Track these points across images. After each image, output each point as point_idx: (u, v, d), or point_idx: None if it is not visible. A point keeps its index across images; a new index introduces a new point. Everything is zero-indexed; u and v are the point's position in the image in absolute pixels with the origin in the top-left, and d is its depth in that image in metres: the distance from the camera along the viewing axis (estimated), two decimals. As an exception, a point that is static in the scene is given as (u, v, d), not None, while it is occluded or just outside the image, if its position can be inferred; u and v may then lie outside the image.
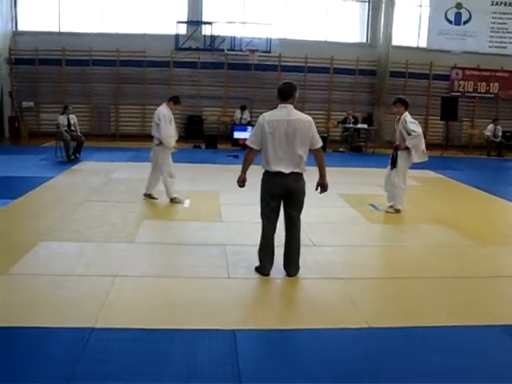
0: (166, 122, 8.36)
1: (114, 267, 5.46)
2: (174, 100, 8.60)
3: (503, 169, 15.11)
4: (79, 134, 13.31)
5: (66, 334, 3.95)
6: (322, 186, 5.43)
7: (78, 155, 13.15)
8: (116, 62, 18.18)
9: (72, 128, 13.11)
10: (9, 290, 4.83)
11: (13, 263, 5.42)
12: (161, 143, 8.45)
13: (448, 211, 8.80)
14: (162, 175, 8.59)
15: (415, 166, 8.71)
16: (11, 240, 6.31)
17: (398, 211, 8.47)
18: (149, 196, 8.78)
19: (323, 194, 5.51)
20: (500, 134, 18.45)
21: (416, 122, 8.38)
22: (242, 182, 5.44)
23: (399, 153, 8.31)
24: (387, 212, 8.49)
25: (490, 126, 18.42)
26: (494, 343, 4.18)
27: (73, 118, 13.25)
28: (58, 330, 4.02)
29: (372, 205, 8.94)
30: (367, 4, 19.45)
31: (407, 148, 8.21)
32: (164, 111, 8.44)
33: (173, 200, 8.60)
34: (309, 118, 5.28)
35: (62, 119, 13.03)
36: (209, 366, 3.65)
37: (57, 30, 18.25)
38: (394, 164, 8.41)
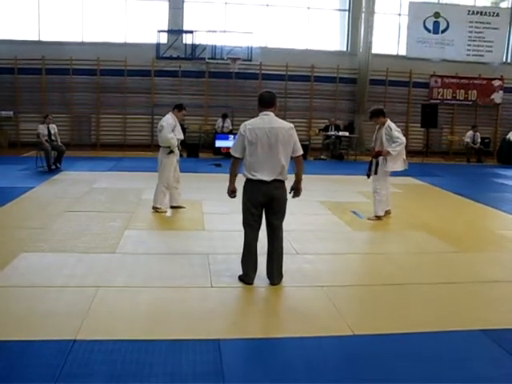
0: (168, 127, 8.33)
1: (96, 278, 5.41)
2: (178, 107, 8.58)
3: (482, 175, 15.28)
4: (60, 143, 13.21)
5: (46, 347, 3.89)
6: (297, 189, 5.44)
7: (58, 165, 13.04)
8: (96, 71, 18.08)
9: (52, 138, 13.00)
10: (-12, 302, 4.75)
11: (-8, 275, 5.34)
12: (170, 152, 8.41)
13: (430, 217, 8.88)
14: (159, 182, 8.53)
15: (396, 173, 8.77)
16: (-9, 252, 6.21)
17: (378, 218, 8.51)
18: (177, 207, 8.76)
19: (297, 198, 5.54)
20: (479, 140, 18.73)
21: (399, 130, 8.46)
22: (232, 193, 5.47)
23: (380, 159, 8.35)
24: (369, 219, 8.53)
25: (469, 133, 18.69)
26: (478, 348, 4.20)
27: (53, 128, 13.14)
28: (38, 343, 3.95)
29: (354, 212, 8.98)
30: (347, 13, 19.63)
31: (388, 153, 8.25)
32: (169, 119, 8.43)
33: (155, 209, 8.55)
34: (290, 124, 5.29)
35: (42, 129, 12.92)
36: (193, 376, 3.62)
37: (37, 39, 18.12)
38: (371, 171, 8.48)
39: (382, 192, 8.44)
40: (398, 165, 8.43)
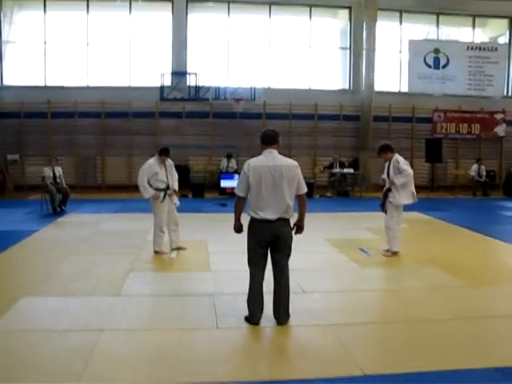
0: (143, 173, 8.36)
1: (100, 321, 5.31)
2: (159, 152, 8.57)
3: (489, 208, 15.17)
4: (65, 186, 13.26)
5: (48, 394, 3.79)
6: (299, 227, 5.40)
7: (63, 207, 13.05)
8: (101, 114, 18.27)
9: (58, 180, 13.08)
10: (-10, 348, 4.65)
11: (-5, 320, 5.25)
12: (163, 201, 8.33)
13: (439, 252, 8.75)
14: (154, 226, 8.47)
15: (403, 208, 8.67)
16: (-6, 296, 6.14)
17: (394, 254, 8.40)
18: (178, 249, 8.64)
19: (304, 236, 5.53)
20: (484, 173, 18.67)
21: (408, 163, 8.43)
22: (238, 229, 5.44)
23: (390, 194, 8.31)
24: (384, 255, 8.41)
25: (474, 166, 18.64)
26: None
27: (58, 170, 13.23)
28: (40, 390, 3.85)
29: (361, 249, 8.87)
30: (349, 51, 19.90)
31: (393, 184, 8.22)
32: (148, 163, 8.47)
33: (156, 252, 8.46)
34: (294, 162, 5.28)
35: (48, 171, 13.01)
36: (199, 422, 3.51)
37: (43, 84, 18.41)
38: (384, 206, 8.42)
39: (395, 228, 8.36)
40: (407, 198, 8.35)
